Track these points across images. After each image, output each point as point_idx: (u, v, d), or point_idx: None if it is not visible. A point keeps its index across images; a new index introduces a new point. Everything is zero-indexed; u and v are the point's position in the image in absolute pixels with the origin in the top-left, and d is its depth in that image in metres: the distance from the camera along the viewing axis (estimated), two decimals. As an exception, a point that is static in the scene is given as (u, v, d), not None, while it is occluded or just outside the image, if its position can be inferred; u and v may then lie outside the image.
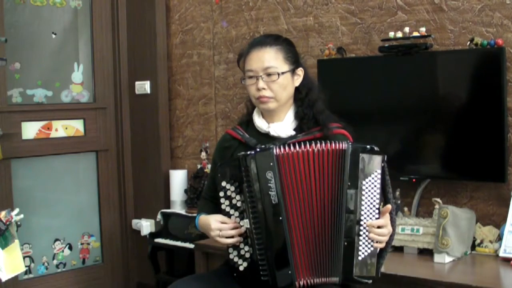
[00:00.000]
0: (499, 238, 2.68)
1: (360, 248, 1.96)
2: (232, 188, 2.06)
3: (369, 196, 1.96)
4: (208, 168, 3.79)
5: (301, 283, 2.00)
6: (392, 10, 3.07)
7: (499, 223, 2.75)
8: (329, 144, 2.00)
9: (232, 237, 2.06)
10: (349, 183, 1.96)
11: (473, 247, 2.74)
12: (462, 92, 2.79)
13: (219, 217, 2.10)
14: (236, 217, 2.07)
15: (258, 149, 2.03)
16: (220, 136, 3.76)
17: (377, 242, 1.97)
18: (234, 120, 3.71)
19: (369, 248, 1.97)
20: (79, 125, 3.97)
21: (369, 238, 1.96)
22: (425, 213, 2.96)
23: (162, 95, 4.02)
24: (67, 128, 3.92)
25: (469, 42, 2.77)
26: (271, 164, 1.99)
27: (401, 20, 3.04)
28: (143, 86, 4.05)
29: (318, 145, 2.01)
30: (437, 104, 2.86)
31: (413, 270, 2.52)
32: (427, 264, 2.61)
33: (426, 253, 2.70)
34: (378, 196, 1.97)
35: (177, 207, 3.86)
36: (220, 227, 2.07)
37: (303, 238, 1.99)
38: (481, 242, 2.74)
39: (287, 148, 2.01)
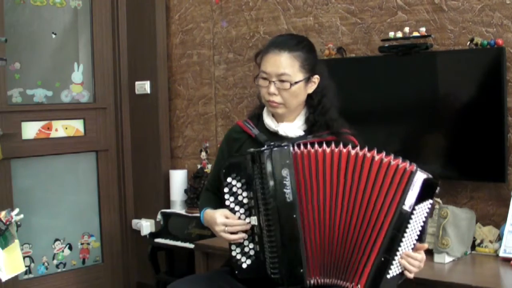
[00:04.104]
0: (499, 238, 2.68)
1: (392, 267, 1.95)
2: (239, 185, 2.04)
3: (415, 221, 1.95)
4: (208, 168, 3.79)
5: (312, 282, 1.99)
6: (392, 10, 3.07)
7: (499, 223, 2.75)
8: (376, 152, 1.96)
9: (237, 233, 2.04)
10: (405, 203, 1.93)
11: (473, 247, 2.73)
12: (462, 92, 2.79)
13: (225, 212, 2.08)
14: (241, 213, 2.05)
15: (273, 146, 2.00)
16: (220, 136, 3.79)
17: (406, 271, 1.96)
18: (234, 120, 3.71)
19: (399, 270, 1.96)
20: (79, 125, 3.97)
21: (400, 264, 1.95)
22: (425, 213, 2.96)
23: (162, 95, 4.03)
24: (67, 128, 3.92)
25: (469, 42, 2.77)
26: (288, 161, 1.97)
27: (401, 20, 3.04)
28: (143, 86, 4.05)
29: (339, 147, 1.98)
30: (437, 104, 2.86)
31: (413, 270, 2.52)
32: (427, 264, 2.57)
33: (426, 253, 2.67)
34: (422, 224, 1.96)
35: (177, 207, 3.86)
36: (226, 222, 2.05)
37: (318, 237, 1.97)
38: (481, 242, 2.74)
39: (308, 146, 1.99)
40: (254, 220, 2.01)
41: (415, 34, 2.91)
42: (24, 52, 3.78)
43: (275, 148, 1.99)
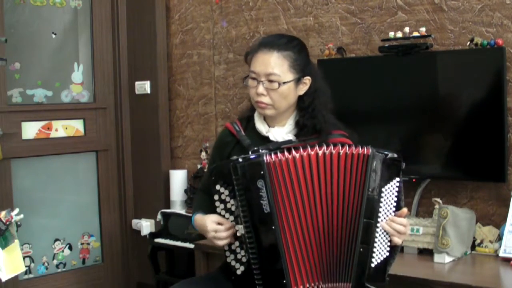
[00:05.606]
0: (499, 238, 2.69)
1: (374, 255, 1.92)
2: (226, 192, 2.00)
3: (387, 203, 1.93)
4: (208, 168, 3.79)
5: None
6: (392, 10, 3.07)
7: (499, 223, 2.75)
8: (333, 147, 1.93)
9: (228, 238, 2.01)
10: (370, 189, 1.90)
11: (473, 247, 2.74)
12: (462, 92, 2.79)
13: (215, 217, 2.05)
14: (231, 221, 2.02)
15: (248, 156, 1.95)
16: (220, 136, 3.79)
17: (394, 236, 1.92)
18: (234, 120, 3.71)
19: (382, 256, 1.94)
20: (79, 125, 3.97)
21: (385, 229, 1.92)
22: (425, 213, 2.96)
23: (162, 95, 4.03)
24: (67, 128, 3.92)
25: (469, 42, 2.77)
26: (262, 172, 1.91)
27: (401, 20, 3.04)
28: (143, 86, 4.05)
29: (313, 149, 1.94)
30: (437, 104, 2.86)
31: (413, 270, 2.52)
32: (427, 264, 2.61)
33: (426, 253, 2.70)
34: (395, 204, 1.94)
35: (177, 207, 3.86)
36: (216, 228, 2.02)
37: (303, 245, 1.94)
38: (481, 242, 2.74)
39: (279, 154, 1.94)
40: (241, 229, 1.96)
41: (415, 34, 2.91)
42: (24, 52, 3.78)
43: (248, 160, 1.94)
